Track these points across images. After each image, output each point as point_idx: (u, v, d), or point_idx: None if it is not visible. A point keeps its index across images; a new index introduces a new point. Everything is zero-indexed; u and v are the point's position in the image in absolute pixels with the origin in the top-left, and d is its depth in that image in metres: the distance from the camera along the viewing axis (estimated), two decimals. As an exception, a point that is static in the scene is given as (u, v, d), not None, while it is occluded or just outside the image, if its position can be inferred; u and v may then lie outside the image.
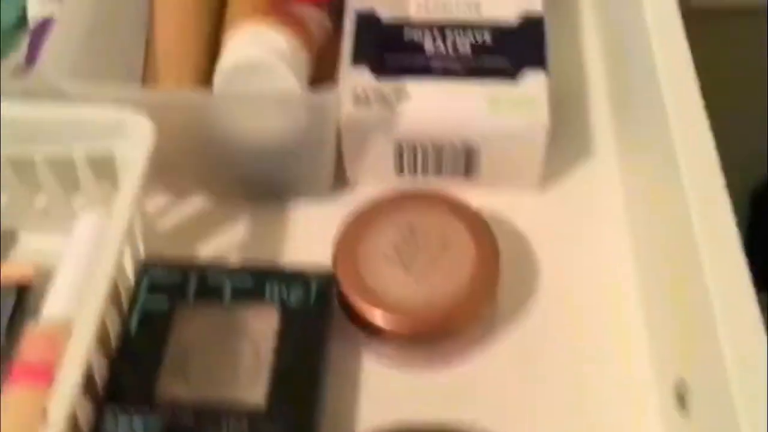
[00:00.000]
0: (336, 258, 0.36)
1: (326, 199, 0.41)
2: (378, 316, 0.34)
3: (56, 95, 0.34)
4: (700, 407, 0.30)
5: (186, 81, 0.39)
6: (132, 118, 0.34)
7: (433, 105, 0.38)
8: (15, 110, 0.34)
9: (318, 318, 0.34)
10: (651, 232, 0.38)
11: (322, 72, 0.42)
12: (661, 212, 0.36)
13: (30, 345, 0.33)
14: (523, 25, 0.41)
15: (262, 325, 0.34)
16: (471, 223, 0.36)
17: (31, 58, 0.43)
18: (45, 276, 0.37)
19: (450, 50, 0.40)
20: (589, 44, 0.48)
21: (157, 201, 0.42)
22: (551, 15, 0.43)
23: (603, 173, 0.43)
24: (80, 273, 0.34)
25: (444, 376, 0.36)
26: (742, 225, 0.32)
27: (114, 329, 0.33)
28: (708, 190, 0.32)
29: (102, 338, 0.31)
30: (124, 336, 0.33)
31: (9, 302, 0.36)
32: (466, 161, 0.40)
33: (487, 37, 0.41)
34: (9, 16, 0.46)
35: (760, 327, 0.28)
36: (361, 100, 0.38)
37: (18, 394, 0.31)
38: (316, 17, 0.42)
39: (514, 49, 0.40)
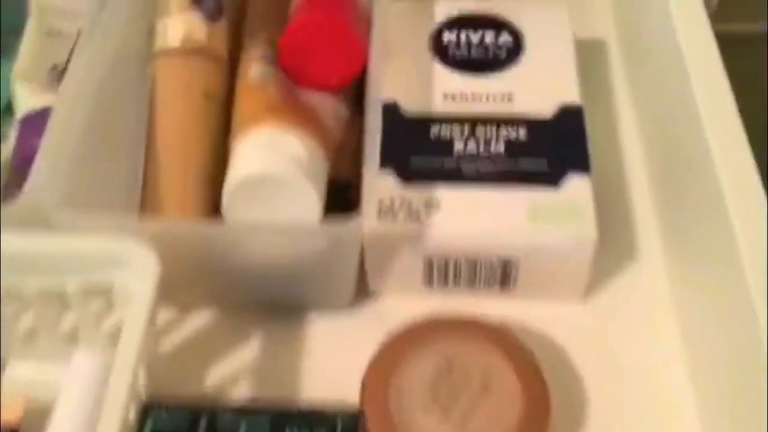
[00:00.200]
0: (364, 395, 0.32)
1: (346, 312, 0.38)
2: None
3: (48, 224, 0.30)
4: None
5: (191, 193, 0.35)
6: (133, 248, 0.30)
7: (466, 216, 0.35)
8: (3, 241, 0.30)
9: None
10: (709, 347, 0.34)
11: (339, 167, 0.38)
12: (721, 323, 0.33)
13: None
14: (559, 117, 0.37)
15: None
16: (515, 357, 0.32)
17: (20, 155, 0.40)
18: (36, 412, 0.33)
19: (482, 149, 0.36)
20: (627, 131, 0.44)
21: (159, 316, 0.38)
22: (584, 102, 0.39)
23: (649, 278, 0.39)
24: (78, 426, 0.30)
25: None
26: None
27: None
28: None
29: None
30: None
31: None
32: (502, 274, 0.36)
33: (522, 133, 0.37)
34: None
35: None
36: (386, 212, 0.35)
37: None
38: (331, 107, 0.39)
39: (552, 148, 0.36)
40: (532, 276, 0.36)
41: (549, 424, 0.31)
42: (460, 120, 0.37)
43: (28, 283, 0.31)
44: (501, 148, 0.36)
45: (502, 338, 0.33)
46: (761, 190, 0.33)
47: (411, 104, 0.38)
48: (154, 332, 0.32)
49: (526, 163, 0.36)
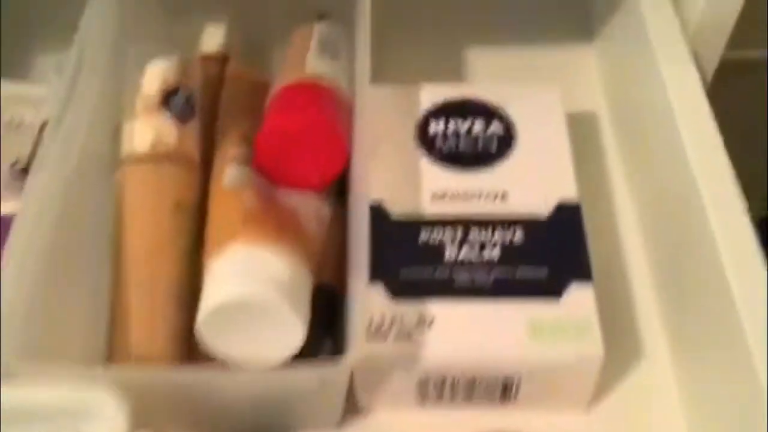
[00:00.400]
0: None
1: (334, 430, 0.35)
2: None
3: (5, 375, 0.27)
4: None
5: (161, 314, 0.32)
6: (101, 399, 0.27)
7: (462, 333, 0.32)
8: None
9: None
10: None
11: (323, 271, 0.35)
12: (732, 428, 0.31)
13: None
14: (556, 216, 0.35)
15: None
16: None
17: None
18: None
19: (476, 255, 0.34)
20: (626, 223, 0.42)
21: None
22: (580, 193, 0.37)
23: (656, 379, 0.36)
24: None
25: None
26: None
27: None
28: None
29: None
30: None
31: None
32: (503, 390, 0.33)
33: (519, 236, 0.35)
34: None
35: None
36: (375, 331, 0.32)
37: None
38: (313, 208, 0.36)
39: (551, 252, 0.34)
40: (534, 390, 0.33)
41: None
42: (451, 222, 0.35)
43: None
44: (496, 253, 0.34)
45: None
46: (765, 276, 0.31)
47: (398, 205, 0.36)
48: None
49: (524, 271, 0.33)
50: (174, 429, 0.33)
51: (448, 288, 0.33)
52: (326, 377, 0.29)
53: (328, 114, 0.36)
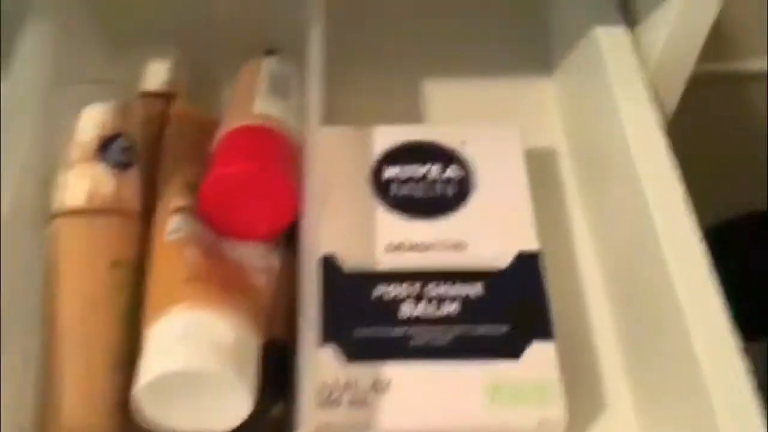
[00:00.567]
0: None
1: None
2: None
3: None
4: None
5: (97, 383, 0.30)
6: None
7: (419, 397, 0.30)
8: None
9: None
10: None
11: (273, 326, 0.33)
12: None
13: None
14: (516, 267, 0.34)
15: None
16: None
17: None
18: None
19: (433, 312, 0.32)
20: (587, 267, 0.40)
21: None
22: (540, 237, 0.36)
23: (619, 428, 0.36)
24: None
25: None
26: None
27: None
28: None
29: None
30: None
31: None
32: (461, 454, 0.32)
33: (478, 289, 0.33)
34: None
35: None
36: (328, 398, 0.30)
37: None
38: (261, 260, 0.34)
39: (511, 307, 0.33)
40: (494, 453, 0.32)
41: None
42: (407, 276, 0.33)
43: None
44: (454, 309, 0.32)
45: None
46: (726, 324, 0.31)
47: (351, 257, 0.34)
48: None
49: (483, 329, 0.32)
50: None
51: (404, 348, 0.31)
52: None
53: (276, 161, 0.34)
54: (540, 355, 0.31)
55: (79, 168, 0.32)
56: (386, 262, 0.34)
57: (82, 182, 0.32)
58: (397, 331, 0.32)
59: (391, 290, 0.33)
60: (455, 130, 0.38)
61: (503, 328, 0.32)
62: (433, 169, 0.37)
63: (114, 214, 0.32)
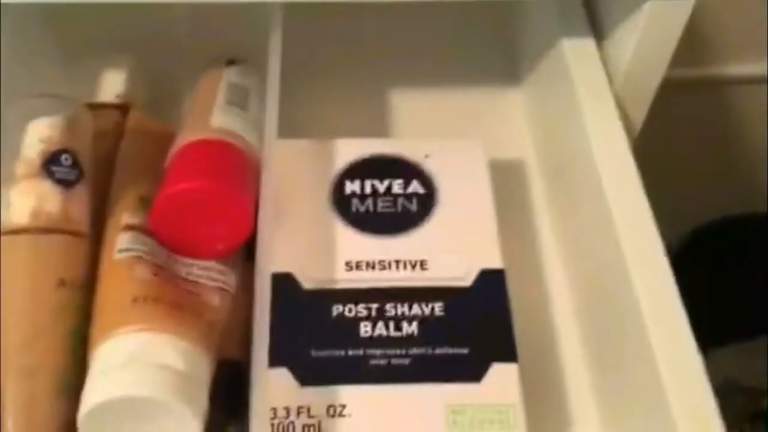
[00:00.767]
0: None
1: None
2: None
3: None
4: None
5: (41, 408, 0.28)
6: None
7: (376, 421, 0.29)
8: None
9: None
10: None
11: (228, 344, 0.32)
12: None
13: None
14: (479, 284, 0.33)
15: None
16: None
17: None
18: None
19: (392, 332, 0.31)
20: (553, 281, 0.40)
21: None
22: (504, 252, 0.35)
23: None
24: None
25: None
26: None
27: None
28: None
29: None
30: None
31: None
32: (420, 480, 0.31)
33: (438, 308, 0.32)
34: None
35: None
36: (281, 426, 0.29)
37: None
38: (216, 277, 0.33)
39: (473, 327, 0.32)
40: (454, 479, 0.31)
41: None
42: (366, 295, 0.32)
43: None
44: (414, 329, 0.32)
45: None
46: (690, 339, 0.30)
47: (309, 275, 0.33)
48: None
49: (444, 350, 0.31)
50: None
51: (361, 370, 0.30)
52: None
53: (233, 177, 0.33)
54: (502, 377, 0.30)
55: (24, 185, 0.31)
56: (346, 280, 0.33)
57: (26, 200, 0.31)
58: (355, 353, 0.31)
59: (349, 310, 0.32)
60: (418, 144, 0.37)
61: (465, 350, 0.31)
62: (395, 185, 0.36)
63: (60, 232, 0.31)
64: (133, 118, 0.38)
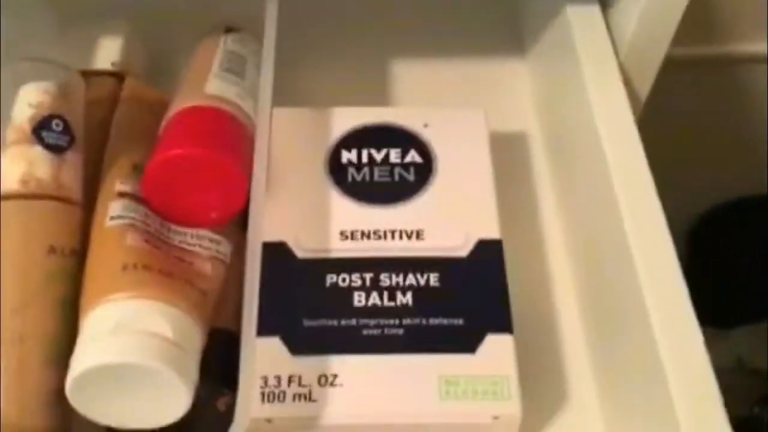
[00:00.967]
0: None
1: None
2: None
3: None
4: None
5: (31, 376, 0.28)
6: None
7: (368, 391, 0.29)
8: None
9: None
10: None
11: (220, 314, 0.32)
12: None
13: None
14: (476, 255, 0.32)
15: None
16: None
17: None
18: None
19: (386, 301, 0.31)
20: (554, 254, 0.39)
21: None
22: (505, 224, 0.34)
23: (583, 425, 0.34)
24: None
25: None
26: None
27: None
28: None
29: None
30: None
31: None
32: (413, 450, 0.31)
33: (434, 279, 0.32)
34: None
35: None
36: (271, 392, 0.29)
37: None
38: (208, 247, 0.33)
39: (468, 298, 0.31)
40: (448, 450, 0.31)
41: None
42: (361, 265, 0.32)
43: None
44: (409, 299, 0.31)
45: None
46: (690, 314, 0.30)
47: (302, 245, 0.32)
48: None
49: (438, 320, 0.31)
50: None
51: (354, 340, 0.30)
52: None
53: (227, 145, 0.32)
54: (497, 348, 0.30)
55: (14, 150, 0.31)
56: (340, 249, 0.32)
57: (16, 165, 0.30)
58: (348, 323, 0.30)
59: (344, 279, 0.31)
60: (417, 113, 0.36)
61: (459, 320, 0.30)
62: (393, 154, 0.35)
63: (50, 198, 0.30)
64: (129, 86, 0.37)
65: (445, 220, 0.33)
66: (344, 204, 0.34)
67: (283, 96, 0.36)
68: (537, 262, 0.39)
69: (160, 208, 0.32)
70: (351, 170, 0.35)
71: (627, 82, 0.39)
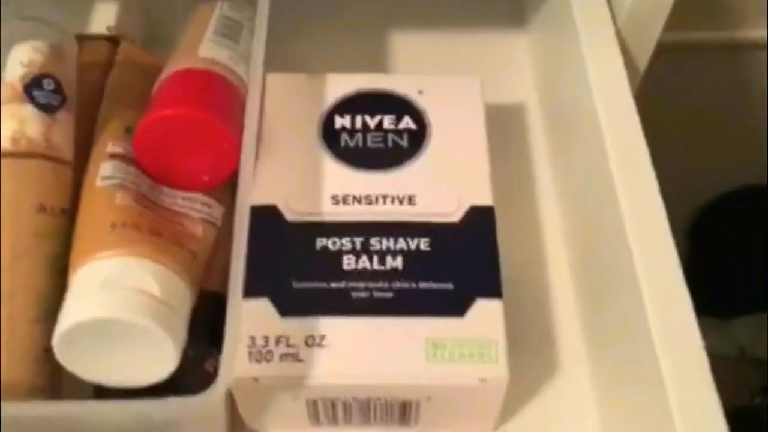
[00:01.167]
0: None
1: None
2: None
3: None
4: None
5: (21, 333, 0.28)
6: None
7: (356, 353, 0.29)
8: None
9: None
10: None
11: (211, 276, 0.32)
12: None
13: None
14: (468, 221, 0.32)
15: None
16: None
17: None
18: None
19: (376, 265, 0.31)
20: (548, 225, 0.39)
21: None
22: (500, 196, 0.34)
23: (573, 393, 0.34)
24: None
25: None
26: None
27: None
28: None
29: None
30: None
31: None
32: (401, 413, 0.30)
33: (424, 244, 0.31)
34: None
35: None
36: (259, 354, 0.29)
37: None
38: (200, 209, 0.33)
39: (459, 263, 0.31)
40: (435, 414, 0.31)
41: None
42: (351, 228, 0.32)
43: None
44: (399, 263, 0.31)
45: None
46: (681, 284, 0.30)
47: (293, 208, 0.32)
48: None
49: (428, 284, 0.30)
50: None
51: (343, 302, 0.30)
52: (193, 408, 0.26)
53: (218, 108, 0.32)
54: (486, 313, 0.30)
55: (5, 109, 0.31)
56: (331, 213, 0.32)
57: (6, 124, 0.30)
58: (337, 285, 0.30)
59: (334, 243, 0.31)
60: (412, 80, 0.36)
61: (449, 285, 0.30)
62: (387, 120, 0.35)
63: (41, 157, 0.30)
64: (124, 51, 0.37)
65: (438, 186, 0.33)
66: (336, 169, 0.33)
67: (279, 63, 0.36)
68: (531, 232, 0.39)
69: (151, 169, 0.32)
70: (344, 136, 0.34)
71: (625, 52, 0.38)
